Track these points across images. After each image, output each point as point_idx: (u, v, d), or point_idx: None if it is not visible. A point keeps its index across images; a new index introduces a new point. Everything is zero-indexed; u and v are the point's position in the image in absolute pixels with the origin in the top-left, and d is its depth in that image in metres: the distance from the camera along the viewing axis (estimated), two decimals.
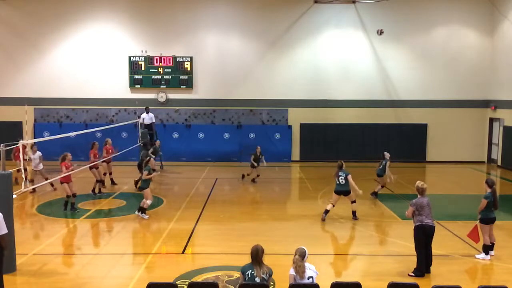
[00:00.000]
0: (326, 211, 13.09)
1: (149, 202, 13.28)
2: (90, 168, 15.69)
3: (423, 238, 9.22)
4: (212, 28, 23.57)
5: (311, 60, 23.65)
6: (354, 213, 13.22)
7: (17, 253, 9.52)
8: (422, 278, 8.97)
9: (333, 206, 13.13)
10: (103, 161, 16.78)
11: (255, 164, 18.24)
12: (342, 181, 12.83)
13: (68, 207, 13.82)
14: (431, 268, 9.35)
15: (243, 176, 18.74)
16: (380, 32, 21.99)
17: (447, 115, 23.77)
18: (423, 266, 9.19)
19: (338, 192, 12.95)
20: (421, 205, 9.19)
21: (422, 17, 23.48)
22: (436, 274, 9.25)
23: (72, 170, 13.63)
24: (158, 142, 20.20)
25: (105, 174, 17.05)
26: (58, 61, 23.62)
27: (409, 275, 9.19)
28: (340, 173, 12.82)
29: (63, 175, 13.33)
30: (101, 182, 16.04)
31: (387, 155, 15.65)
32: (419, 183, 9.50)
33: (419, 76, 23.76)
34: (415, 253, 9.34)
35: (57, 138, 13.71)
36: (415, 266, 9.35)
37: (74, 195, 13.80)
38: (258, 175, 18.53)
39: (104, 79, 23.59)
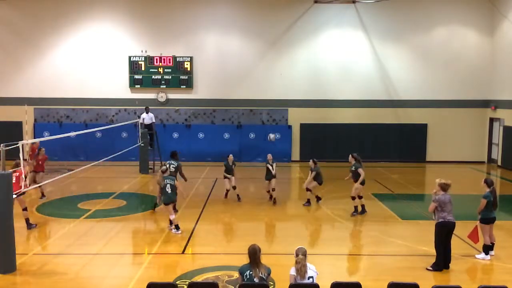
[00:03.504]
0: None
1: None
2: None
3: (444, 234, 9.46)
4: (212, 28, 23.56)
5: (311, 60, 23.64)
6: None
7: (17, 253, 9.52)
8: (423, 279, 8.96)
9: None
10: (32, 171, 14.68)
11: (228, 176, 15.48)
12: None
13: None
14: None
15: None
16: None
17: (447, 115, 23.76)
18: (442, 261, 9.41)
19: None
20: (444, 201, 9.41)
21: (422, 17, 23.47)
22: (436, 274, 9.27)
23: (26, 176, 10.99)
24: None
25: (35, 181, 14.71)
26: (58, 61, 23.61)
27: (427, 269, 9.41)
28: None
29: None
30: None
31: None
32: (442, 180, 9.60)
33: (419, 76, 23.75)
34: (415, 253, 9.41)
35: (57, 138, 13.68)
36: (414, 265, 9.49)
37: (25, 209, 12.00)
38: (234, 187, 15.44)
39: (104, 79, 23.58)
